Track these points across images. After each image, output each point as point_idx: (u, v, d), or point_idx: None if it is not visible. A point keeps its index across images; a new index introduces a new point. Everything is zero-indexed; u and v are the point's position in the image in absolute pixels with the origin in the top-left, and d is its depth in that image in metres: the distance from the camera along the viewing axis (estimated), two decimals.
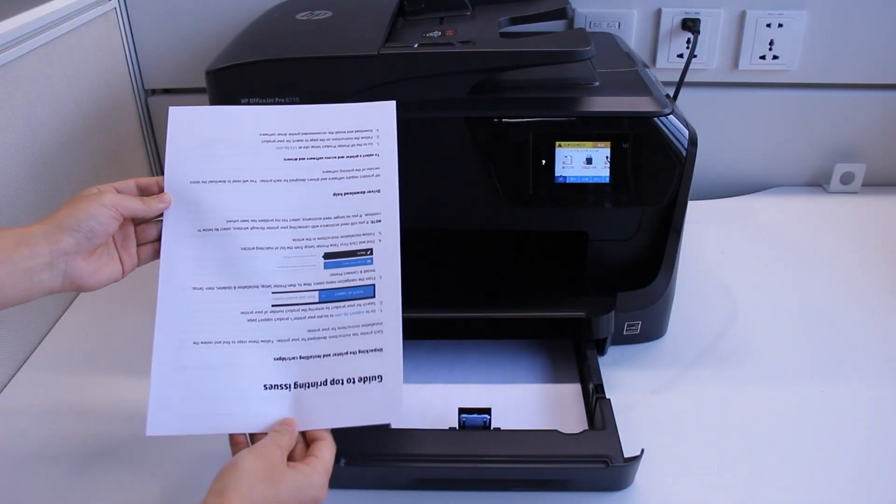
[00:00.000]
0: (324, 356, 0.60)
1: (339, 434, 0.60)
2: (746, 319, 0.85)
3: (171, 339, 0.60)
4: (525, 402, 0.73)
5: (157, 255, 0.62)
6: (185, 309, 0.60)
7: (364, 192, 0.62)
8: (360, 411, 0.58)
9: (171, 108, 0.64)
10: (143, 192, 0.62)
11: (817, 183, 1.16)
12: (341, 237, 0.62)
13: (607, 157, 0.71)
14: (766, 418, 0.71)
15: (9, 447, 0.69)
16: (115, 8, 1.04)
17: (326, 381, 0.59)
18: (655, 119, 0.70)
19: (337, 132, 0.64)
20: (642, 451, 0.62)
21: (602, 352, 0.78)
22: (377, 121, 0.63)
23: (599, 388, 0.70)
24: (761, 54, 1.06)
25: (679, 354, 0.80)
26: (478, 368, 0.77)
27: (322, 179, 0.63)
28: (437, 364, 0.77)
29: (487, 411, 0.67)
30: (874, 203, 1.10)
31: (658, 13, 1.05)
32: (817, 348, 0.80)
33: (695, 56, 1.01)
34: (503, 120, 0.71)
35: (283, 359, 0.60)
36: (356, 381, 0.59)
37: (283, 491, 0.52)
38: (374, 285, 0.61)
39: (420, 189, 0.75)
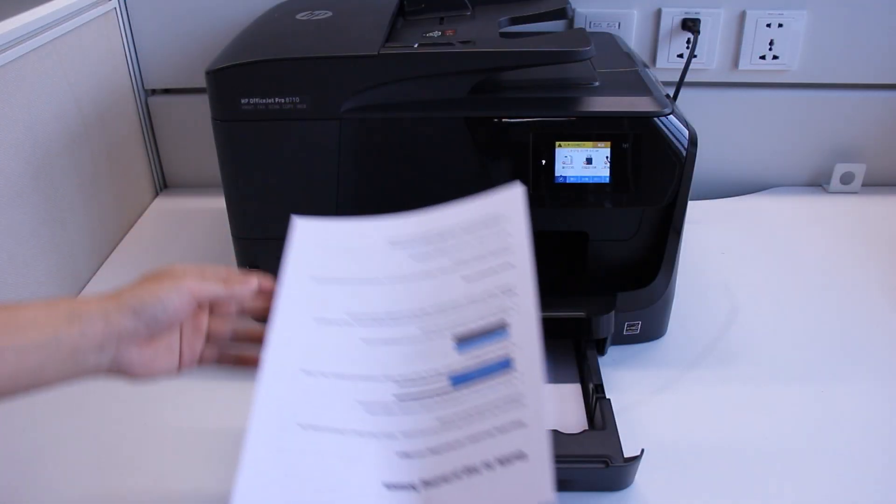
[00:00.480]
0: (456, 443, 0.52)
1: None
2: (746, 319, 0.85)
3: (272, 419, 0.52)
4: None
5: (221, 359, 0.56)
6: (292, 390, 0.54)
7: (496, 272, 0.58)
8: (502, 499, 0.50)
9: (296, 220, 0.61)
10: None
11: (817, 183, 1.16)
12: (473, 316, 0.56)
13: (607, 157, 0.71)
14: (766, 418, 0.71)
15: (9, 447, 0.69)
16: (115, 8, 1.04)
17: (459, 471, 0.51)
18: (655, 119, 0.70)
19: (466, 226, 0.61)
20: (642, 451, 0.62)
21: (602, 352, 0.78)
22: (506, 206, 0.60)
23: (599, 388, 0.70)
24: (761, 54, 1.06)
25: (679, 354, 0.80)
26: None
27: (452, 269, 0.59)
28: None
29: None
30: (874, 203, 1.10)
31: (658, 13, 1.05)
32: (817, 348, 0.80)
33: (695, 56, 1.01)
34: (503, 120, 0.71)
35: (409, 454, 0.52)
36: (494, 464, 0.50)
37: None
38: (512, 357, 0.54)
39: (420, 189, 0.75)
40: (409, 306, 0.58)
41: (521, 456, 0.50)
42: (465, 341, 0.56)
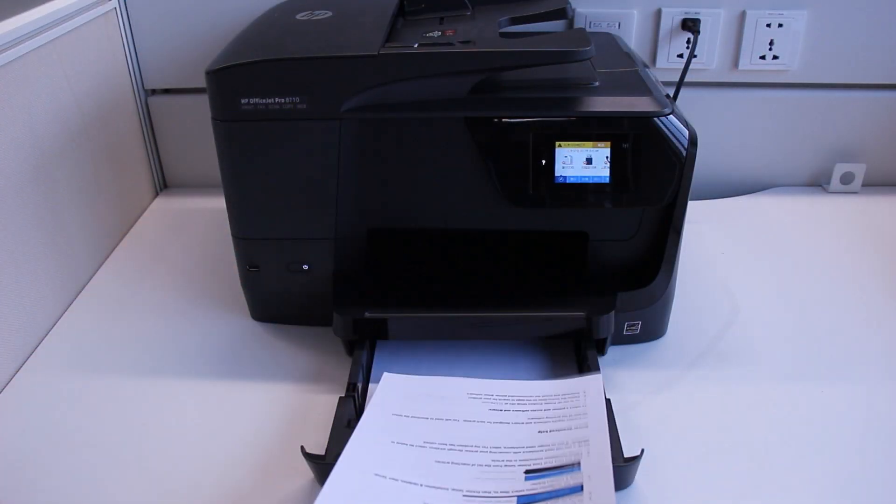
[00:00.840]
0: None
1: (342, 435, 0.60)
2: (746, 319, 0.85)
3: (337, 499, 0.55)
4: None
5: None
6: (361, 489, 0.56)
7: (571, 430, 0.62)
8: None
9: (385, 374, 0.70)
10: None
11: (817, 183, 1.16)
12: (546, 457, 0.60)
13: (607, 157, 0.71)
14: (766, 418, 0.71)
15: (9, 447, 0.69)
16: (115, 8, 1.04)
17: None
18: (655, 119, 0.70)
19: (544, 395, 0.66)
20: (642, 451, 0.62)
21: (602, 352, 0.78)
22: (584, 386, 0.66)
23: None
24: (761, 54, 1.06)
25: (679, 354, 0.80)
26: (477, 368, 0.77)
27: (527, 422, 0.64)
28: (436, 364, 0.77)
29: None
30: (874, 203, 1.10)
31: (658, 13, 1.05)
32: (817, 348, 0.81)
33: (695, 56, 1.01)
34: (503, 120, 0.71)
35: None
36: None
37: None
38: (581, 484, 0.56)
39: (420, 189, 0.75)
40: (483, 443, 0.62)
41: None
42: (535, 473, 0.59)
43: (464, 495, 0.57)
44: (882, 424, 0.70)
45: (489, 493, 0.57)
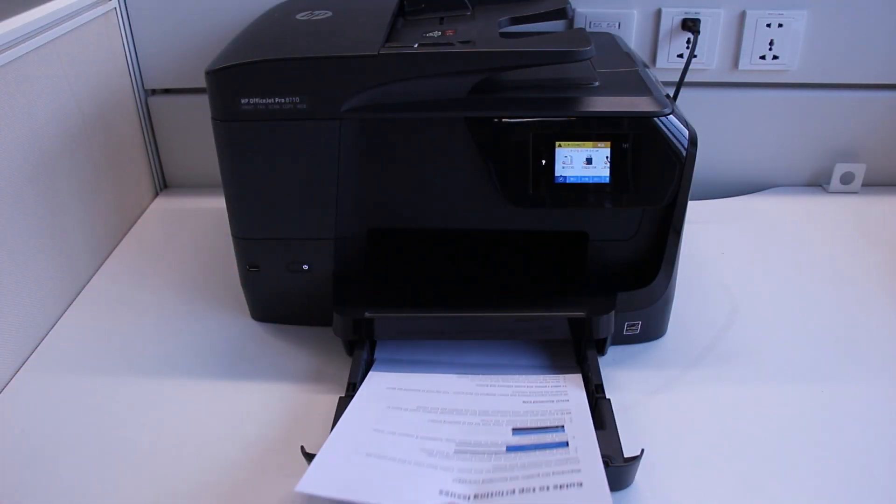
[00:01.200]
0: (511, 477, 0.58)
1: None
2: (746, 319, 0.85)
3: (341, 448, 0.61)
4: None
5: None
6: (362, 438, 0.63)
7: (554, 403, 0.68)
8: None
9: (371, 373, 0.74)
10: None
11: (817, 183, 1.16)
12: (531, 420, 0.65)
13: (607, 157, 0.71)
14: (766, 418, 0.71)
15: (9, 447, 0.69)
16: (115, 8, 1.04)
17: (515, 490, 0.56)
18: (655, 119, 0.70)
19: (529, 382, 0.72)
20: (642, 451, 0.62)
21: (602, 352, 0.78)
22: (568, 382, 0.71)
23: (599, 388, 0.70)
24: (761, 54, 1.06)
25: (679, 354, 0.80)
26: (477, 368, 0.77)
27: (513, 395, 0.70)
28: (436, 364, 0.77)
29: None
30: (874, 203, 1.10)
31: (658, 13, 1.05)
32: (817, 348, 0.81)
33: (695, 56, 1.01)
34: (503, 120, 0.71)
35: (464, 480, 0.58)
36: (551, 488, 0.56)
37: None
38: (567, 441, 0.62)
39: (420, 189, 0.75)
40: (473, 408, 0.68)
41: (578, 485, 0.55)
42: (522, 430, 0.64)
43: (457, 444, 0.62)
44: (882, 424, 0.70)
45: (480, 443, 0.62)
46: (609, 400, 0.68)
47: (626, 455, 0.62)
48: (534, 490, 0.55)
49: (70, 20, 0.91)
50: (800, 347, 0.81)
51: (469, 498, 0.56)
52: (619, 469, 0.62)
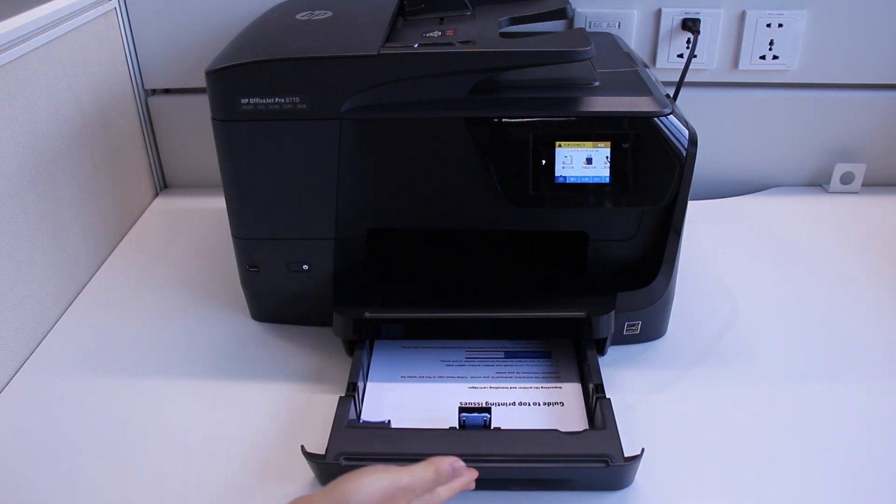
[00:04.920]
0: (510, 388, 0.74)
1: (342, 435, 0.60)
2: (746, 319, 0.85)
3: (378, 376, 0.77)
4: (525, 401, 0.73)
5: None
6: (390, 360, 0.79)
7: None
8: (545, 424, 0.69)
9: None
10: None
11: (817, 183, 1.16)
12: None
13: (607, 157, 0.71)
14: (766, 418, 0.71)
15: (9, 447, 0.69)
16: (115, 8, 1.04)
17: (513, 402, 0.72)
18: (655, 119, 0.70)
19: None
20: (642, 450, 0.62)
21: (602, 352, 0.78)
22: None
23: (599, 387, 0.70)
24: (761, 54, 1.06)
25: (679, 354, 0.80)
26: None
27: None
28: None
29: (488, 410, 0.68)
30: (874, 203, 1.10)
31: (658, 13, 1.05)
32: (817, 348, 0.81)
33: (695, 56, 1.01)
34: (503, 120, 0.71)
35: (476, 388, 0.74)
36: (542, 404, 0.72)
37: None
38: (549, 351, 0.79)
39: (420, 189, 0.75)
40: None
41: (561, 405, 0.72)
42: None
43: (466, 352, 0.79)
44: (882, 424, 0.70)
45: (484, 349, 0.80)
46: (609, 399, 0.68)
47: (626, 455, 0.62)
48: (528, 405, 0.72)
49: (70, 20, 0.91)
50: (799, 347, 0.81)
51: (483, 406, 0.71)
52: (619, 468, 0.62)
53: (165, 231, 1.07)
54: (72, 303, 0.90)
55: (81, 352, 0.82)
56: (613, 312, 0.75)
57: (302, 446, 0.62)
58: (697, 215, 1.03)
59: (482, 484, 0.63)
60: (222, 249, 0.95)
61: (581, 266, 0.78)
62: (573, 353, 0.79)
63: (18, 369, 0.79)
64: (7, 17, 0.83)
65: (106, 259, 0.99)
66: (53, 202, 0.87)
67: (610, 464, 0.61)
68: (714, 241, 1.01)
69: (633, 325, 0.79)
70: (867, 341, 0.81)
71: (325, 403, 0.72)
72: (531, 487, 0.64)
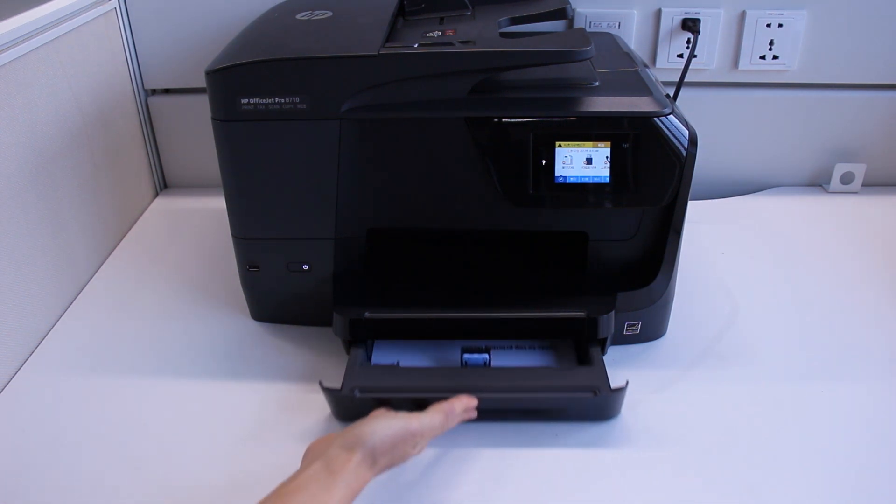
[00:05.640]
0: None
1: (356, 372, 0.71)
2: (746, 319, 0.85)
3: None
4: (522, 346, 0.79)
5: None
6: None
7: None
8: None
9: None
10: None
11: (817, 183, 1.16)
12: None
13: (607, 157, 0.71)
14: (766, 418, 0.71)
15: (9, 447, 0.69)
16: (115, 8, 1.04)
17: (513, 347, 0.78)
18: (655, 119, 0.70)
19: None
20: (626, 382, 0.67)
21: (602, 352, 0.78)
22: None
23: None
24: (761, 54, 1.06)
25: (679, 354, 0.80)
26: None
27: None
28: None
29: (488, 351, 0.75)
30: (874, 203, 1.10)
31: (658, 13, 1.05)
32: (817, 348, 0.81)
33: (695, 56, 1.01)
34: (503, 120, 0.71)
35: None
36: (538, 348, 0.78)
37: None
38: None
39: (420, 189, 0.75)
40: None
41: (554, 349, 0.78)
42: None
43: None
44: (882, 424, 0.70)
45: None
46: (599, 349, 0.74)
47: (612, 386, 0.67)
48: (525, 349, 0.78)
49: (70, 20, 0.91)
50: (799, 347, 0.81)
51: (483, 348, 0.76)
52: (606, 398, 0.67)
53: (165, 231, 1.07)
54: (72, 303, 0.90)
55: (81, 352, 0.82)
56: (613, 312, 0.75)
57: (320, 381, 0.67)
58: (697, 215, 1.03)
59: (482, 415, 0.67)
60: (222, 249, 0.95)
61: (581, 266, 0.78)
62: (574, 354, 0.78)
63: (18, 369, 0.79)
64: (7, 17, 0.83)
65: (106, 259, 0.99)
66: (53, 202, 0.87)
67: (597, 393, 0.68)
68: (714, 241, 1.01)
69: (634, 325, 0.79)
70: (867, 341, 0.81)
71: (324, 403, 0.72)
72: (526, 418, 0.70)
